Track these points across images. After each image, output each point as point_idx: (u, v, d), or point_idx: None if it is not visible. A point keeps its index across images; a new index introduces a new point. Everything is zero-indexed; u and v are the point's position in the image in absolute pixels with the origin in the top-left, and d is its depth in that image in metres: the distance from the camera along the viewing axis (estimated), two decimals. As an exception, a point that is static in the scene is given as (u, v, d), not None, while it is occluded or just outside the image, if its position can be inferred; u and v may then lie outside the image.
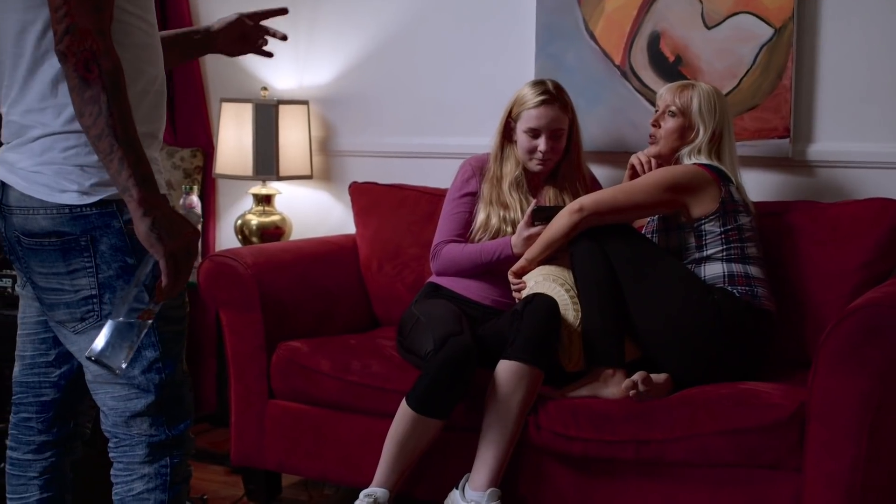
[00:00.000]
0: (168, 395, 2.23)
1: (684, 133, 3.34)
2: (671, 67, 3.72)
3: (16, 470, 2.41)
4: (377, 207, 4.04)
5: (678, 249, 3.26)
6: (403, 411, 3.09)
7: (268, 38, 2.69)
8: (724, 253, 3.19)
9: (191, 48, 2.62)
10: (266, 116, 4.23)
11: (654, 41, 3.75)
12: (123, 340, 2.04)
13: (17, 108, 2.15)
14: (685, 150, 3.33)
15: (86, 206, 2.10)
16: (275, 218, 4.33)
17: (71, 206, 2.10)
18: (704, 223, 3.22)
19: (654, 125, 3.39)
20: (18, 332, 2.41)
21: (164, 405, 2.23)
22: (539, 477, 3.12)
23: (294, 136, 4.29)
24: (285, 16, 2.70)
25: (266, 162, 4.23)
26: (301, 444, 3.48)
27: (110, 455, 2.27)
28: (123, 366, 2.07)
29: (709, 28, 3.66)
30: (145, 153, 2.02)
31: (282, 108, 4.25)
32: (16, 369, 2.41)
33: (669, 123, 3.35)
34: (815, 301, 3.31)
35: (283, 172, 4.25)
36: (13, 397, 2.41)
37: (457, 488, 3.09)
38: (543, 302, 3.13)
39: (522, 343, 3.06)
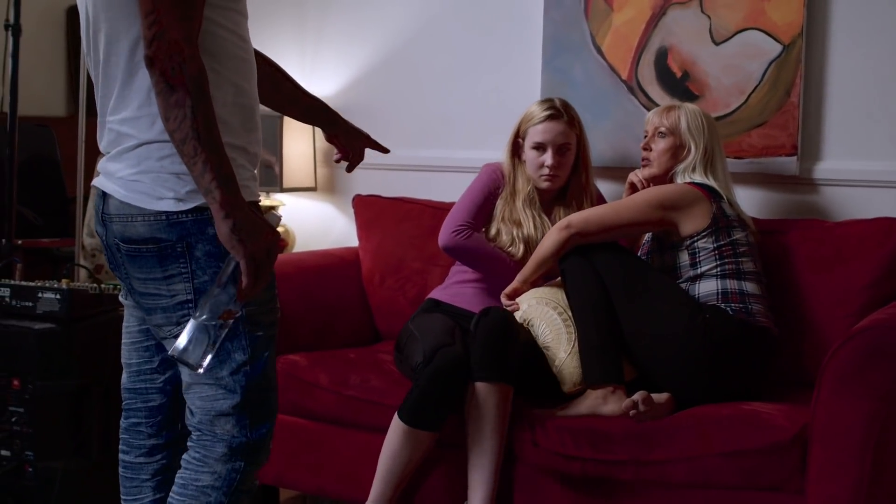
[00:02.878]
0: (253, 398, 2.26)
1: (676, 152, 3.34)
2: (678, 83, 3.70)
3: (129, 473, 2.49)
4: (380, 220, 4.02)
5: (673, 268, 3.23)
6: (396, 425, 3.07)
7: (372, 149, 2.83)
8: (719, 269, 3.17)
9: (311, 115, 2.80)
10: (270, 128, 4.21)
11: (662, 56, 3.73)
12: (205, 339, 2.09)
13: (116, 116, 2.20)
14: (679, 168, 3.33)
15: (182, 212, 2.14)
16: (278, 230, 4.30)
17: (168, 213, 2.14)
18: (697, 240, 3.20)
19: (644, 149, 3.39)
20: (123, 341, 2.48)
21: (249, 407, 2.26)
22: (537, 496, 3.08)
23: (298, 148, 4.28)
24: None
25: (270, 174, 4.22)
26: (299, 458, 3.45)
27: (188, 444, 2.31)
28: (205, 364, 2.12)
29: (717, 44, 3.63)
30: (229, 157, 2.05)
31: (286, 119, 4.23)
32: (124, 377, 2.49)
33: (661, 144, 3.35)
34: (820, 321, 3.28)
35: (286, 184, 4.24)
36: (123, 403, 2.49)
37: (458, 513, 3.07)
38: (495, 315, 3.12)
39: (478, 361, 3.06)
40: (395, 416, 3.07)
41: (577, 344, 3.14)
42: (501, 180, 3.58)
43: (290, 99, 2.72)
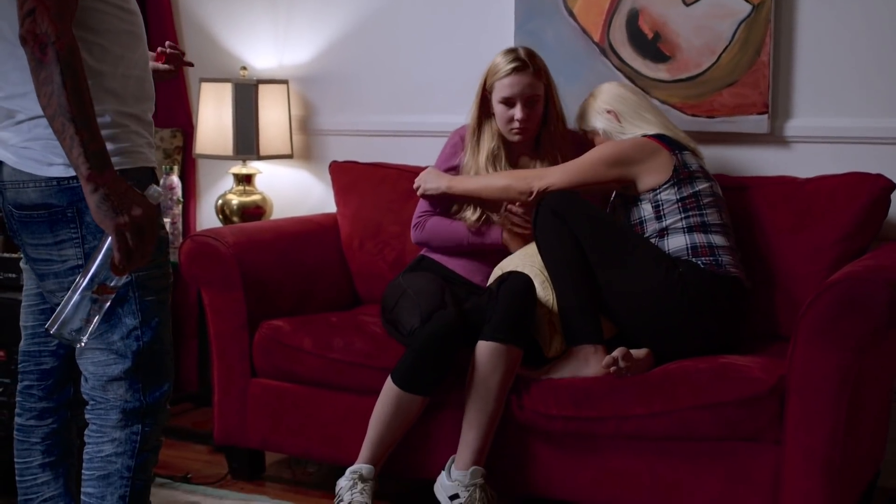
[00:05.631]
0: (145, 363, 2.32)
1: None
2: (650, 44, 3.73)
3: (21, 435, 2.55)
4: (358, 186, 4.04)
5: (640, 222, 3.28)
6: (388, 388, 3.10)
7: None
8: (684, 222, 3.21)
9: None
10: (246, 96, 4.22)
11: (633, 18, 3.76)
12: (81, 314, 2.09)
13: (1, 93, 2.25)
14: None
15: (72, 178, 2.17)
16: (255, 197, 4.33)
17: (58, 179, 2.20)
18: (659, 192, 3.24)
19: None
20: (22, 304, 2.54)
21: (141, 372, 2.31)
22: (523, 455, 3.14)
23: (274, 116, 4.29)
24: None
25: (246, 141, 4.23)
26: (284, 421, 3.49)
27: (86, 416, 2.37)
28: (83, 339, 2.12)
29: (687, 5, 3.66)
30: (100, 132, 2.07)
31: (261, 87, 4.24)
32: (22, 341, 2.54)
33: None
34: (793, 275, 3.34)
35: (263, 152, 4.25)
36: (18, 366, 2.55)
37: (444, 470, 3.11)
38: (518, 280, 3.14)
39: (498, 323, 3.07)
40: (389, 379, 3.10)
41: (556, 306, 3.19)
42: (461, 145, 3.57)
43: None
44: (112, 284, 2.09)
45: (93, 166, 2.03)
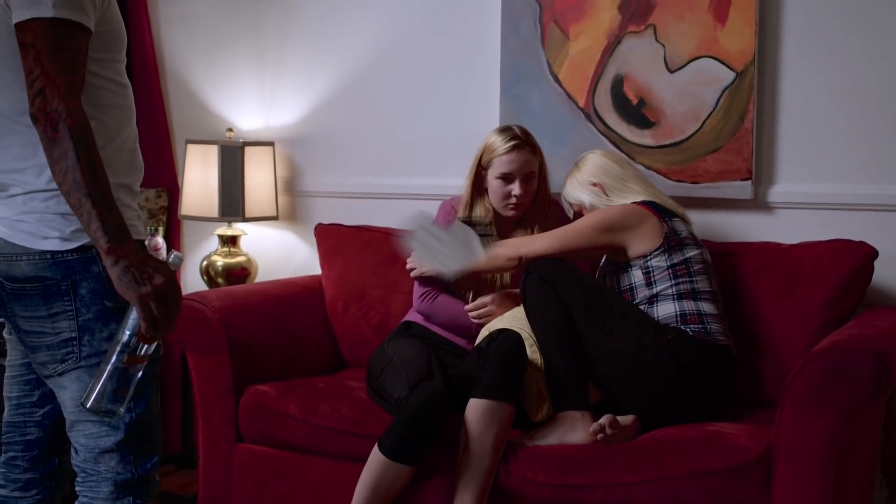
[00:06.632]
0: (137, 434, 2.31)
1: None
2: (634, 110, 3.76)
3: None
4: (343, 249, 4.05)
5: (630, 288, 3.29)
6: (375, 457, 3.09)
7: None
8: (674, 289, 3.22)
9: None
10: (232, 158, 4.24)
11: (618, 84, 3.80)
12: (112, 385, 2.09)
13: None
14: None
15: (66, 251, 2.19)
16: (240, 259, 4.33)
17: (52, 252, 2.20)
18: (650, 259, 3.25)
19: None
20: (6, 375, 2.51)
21: (133, 443, 2.31)
22: (509, 520, 3.12)
23: (260, 178, 4.30)
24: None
25: (232, 203, 4.24)
26: (270, 487, 3.47)
27: (76, 489, 2.35)
28: (121, 410, 2.13)
29: (671, 72, 3.70)
30: (116, 204, 2.09)
31: (247, 149, 4.26)
32: (6, 412, 2.51)
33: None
34: (778, 341, 3.35)
35: (248, 213, 4.26)
36: (2, 437, 2.53)
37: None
38: (509, 337, 3.14)
39: (490, 380, 3.07)
40: (376, 448, 3.09)
41: (544, 369, 3.19)
42: (453, 214, 3.60)
43: None
44: (142, 353, 2.11)
45: (111, 239, 2.04)
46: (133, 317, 2.07)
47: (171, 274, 2.09)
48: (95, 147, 2.06)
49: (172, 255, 2.15)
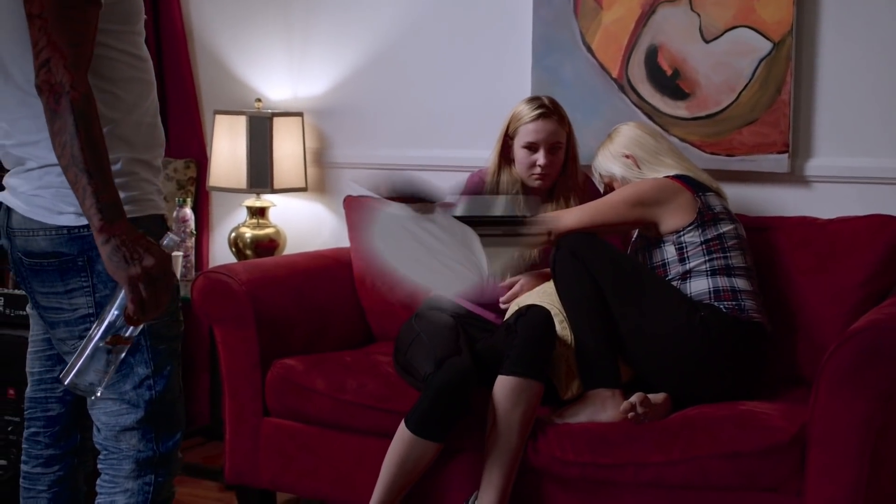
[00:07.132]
0: (158, 412, 2.30)
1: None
2: (669, 81, 3.70)
3: (27, 483, 2.52)
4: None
5: (663, 265, 3.23)
6: (402, 433, 3.06)
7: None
8: (707, 265, 3.16)
9: None
10: (260, 128, 4.20)
11: (652, 54, 3.73)
12: (95, 366, 2.06)
13: (10, 140, 2.24)
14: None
15: (82, 227, 2.16)
16: (269, 231, 4.30)
17: (69, 228, 2.18)
18: (683, 234, 3.19)
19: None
20: (28, 350, 2.51)
21: (154, 421, 2.30)
22: (539, 500, 3.09)
23: (288, 149, 4.26)
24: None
25: (260, 174, 4.20)
26: (296, 462, 3.45)
27: (98, 466, 2.34)
28: (98, 392, 2.09)
29: (707, 42, 3.63)
30: (114, 181, 2.05)
31: (276, 119, 4.22)
32: (28, 387, 2.51)
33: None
34: (814, 319, 3.30)
35: (277, 185, 4.22)
36: (25, 413, 2.52)
37: (467, 504, 3.08)
38: (537, 313, 3.11)
39: (518, 357, 3.04)
40: (402, 424, 3.07)
41: (574, 346, 3.15)
42: (481, 185, 3.55)
43: None
44: (126, 335, 2.06)
45: (105, 217, 2.01)
46: (121, 297, 2.03)
47: (163, 256, 2.05)
48: (98, 122, 2.03)
49: (168, 238, 2.10)
